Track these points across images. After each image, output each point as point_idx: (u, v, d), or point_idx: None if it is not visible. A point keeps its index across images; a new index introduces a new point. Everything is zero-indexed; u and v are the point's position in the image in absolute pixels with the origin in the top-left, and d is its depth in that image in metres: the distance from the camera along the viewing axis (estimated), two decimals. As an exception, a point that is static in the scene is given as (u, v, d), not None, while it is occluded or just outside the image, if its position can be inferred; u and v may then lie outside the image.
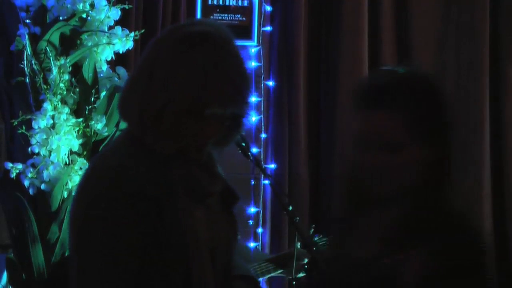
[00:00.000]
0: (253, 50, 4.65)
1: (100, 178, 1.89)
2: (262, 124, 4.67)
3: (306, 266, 3.06)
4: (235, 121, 1.94)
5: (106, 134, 3.27)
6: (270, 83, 4.71)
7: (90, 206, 1.87)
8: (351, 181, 1.98)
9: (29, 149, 3.21)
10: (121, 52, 3.42)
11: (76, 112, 3.29)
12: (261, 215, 4.62)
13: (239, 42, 4.46)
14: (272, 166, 4.67)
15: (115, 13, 3.39)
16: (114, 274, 1.84)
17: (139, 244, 1.85)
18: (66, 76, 3.24)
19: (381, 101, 1.87)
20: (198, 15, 4.55)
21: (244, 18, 4.61)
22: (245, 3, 4.61)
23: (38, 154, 3.20)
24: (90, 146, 3.26)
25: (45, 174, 3.16)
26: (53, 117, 3.21)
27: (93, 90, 3.28)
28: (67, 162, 3.22)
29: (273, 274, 3.32)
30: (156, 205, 1.86)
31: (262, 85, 4.68)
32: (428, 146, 1.87)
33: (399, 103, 1.87)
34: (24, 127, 3.20)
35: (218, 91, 1.87)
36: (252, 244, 4.55)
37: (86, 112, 3.27)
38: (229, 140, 2.00)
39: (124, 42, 3.37)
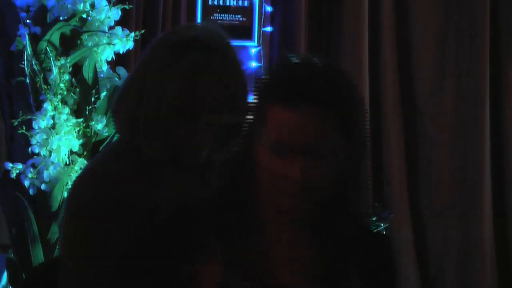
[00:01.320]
0: (254, 51, 4.65)
1: (84, 186, 1.89)
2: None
3: None
4: (232, 129, 1.88)
5: (106, 134, 3.27)
6: (270, 83, 4.70)
7: (74, 214, 1.87)
8: (265, 195, 1.58)
9: (29, 149, 3.21)
10: (121, 52, 3.41)
11: (76, 112, 3.29)
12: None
13: (240, 43, 4.51)
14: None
15: (116, 13, 3.39)
16: (96, 282, 1.84)
17: (123, 251, 1.83)
18: (67, 76, 3.24)
19: (309, 96, 1.50)
20: (198, 16, 4.55)
21: (244, 19, 4.61)
22: (246, 4, 4.61)
23: (38, 154, 3.20)
24: (90, 147, 3.26)
25: (45, 174, 3.16)
26: (53, 117, 3.21)
27: (94, 91, 3.28)
28: (67, 162, 3.22)
29: None
30: (141, 212, 1.84)
31: (262, 85, 4.67)
32: (352, 149, 1.55)
33: (329, 98, 1.51)
34: (24, 127, 3.20)
35: (208, 98, 1.83)
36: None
37: (87, 112, 3.26)
38: (230, 149, 1.94)
39: (124, 42, 3.37)
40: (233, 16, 4.60)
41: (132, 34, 3.39)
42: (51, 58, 3.25)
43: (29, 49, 3.24)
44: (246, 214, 1.61)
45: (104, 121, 3.25)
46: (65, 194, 3.20)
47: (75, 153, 3.24)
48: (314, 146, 1.51)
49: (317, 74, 1.53)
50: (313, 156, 1.51)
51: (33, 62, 3.24)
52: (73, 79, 3.29)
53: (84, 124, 3.25)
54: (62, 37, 3.30)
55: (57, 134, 3.19)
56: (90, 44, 3.33)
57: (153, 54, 1.90)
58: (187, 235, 1.59)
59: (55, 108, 3.21)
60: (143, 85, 1.87)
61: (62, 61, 3.23)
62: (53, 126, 3.21)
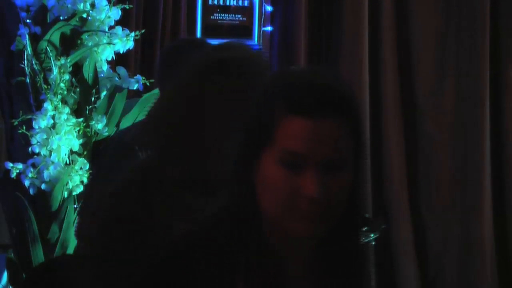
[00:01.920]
0: (253, 50, 4.65)
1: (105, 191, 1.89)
2: (262, 124, 4.67)
3: None
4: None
5: (107, 134, 3.27)
6: (270, 83, 4.70)
7: (98, 216, 1.87)
8: (272, 218, 1.43)
9: (30, 149, 3.21)
10: (121, 52, 3.42)
11: (77, 112, 3.29)
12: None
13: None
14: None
15: (116, 13, 3.39)
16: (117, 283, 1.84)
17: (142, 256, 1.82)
18: (67, 76, 3.24)
19: (328, 108, 1.40)
20: (199, 16, 4.55)
21: (244, 18, 4.61)
22: (246, 3, 4.61)
23: (38, 154, 3.20)
24: (91, 146, 3.27)
25: (46, 174, 3.16)
26: (53, 117, 3.21)
27: (94, 90, 3.28)
28: (68, 162, 3.22)
29: None
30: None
31: (262, 85, 4.67)
32: (359, 165, 1.45)
33: (343, 109, 1.42)
34: (24, 127, 3.20)
35: (217, 122, 1.80)
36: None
37: (87, 112, 3.27)
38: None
39: (124, 42, 3.37)
40: (233, 16, 4.60)
41: (132, 34, 3.40)
42: (51, 58, 3.25)
43: (29, 49, 3.24)
44: (255, 237, 1.46)
45: (104, 120, 3.25)
46: (65, 194, 3.21)
47: (75, 152, 3.24)
48: (330, 158, 1.39)
49: (330, 84, 1.43)
50: (328, 170, 1.39)
51: (33, 62, 3.25)
52: (73, 79, 3.29)
53: (84, 124, 3.25)
54: (62, 37, 3.30)
55: (57, 133, 3.19)
56: (90, 44, 3.33)
57: (189, 73, 1.85)
58: (208, 266, 1.47)
59: (55, 108, 3.21)
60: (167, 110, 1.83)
61: (62, 61, 3.23)
62: (53, 126, 3.21)
